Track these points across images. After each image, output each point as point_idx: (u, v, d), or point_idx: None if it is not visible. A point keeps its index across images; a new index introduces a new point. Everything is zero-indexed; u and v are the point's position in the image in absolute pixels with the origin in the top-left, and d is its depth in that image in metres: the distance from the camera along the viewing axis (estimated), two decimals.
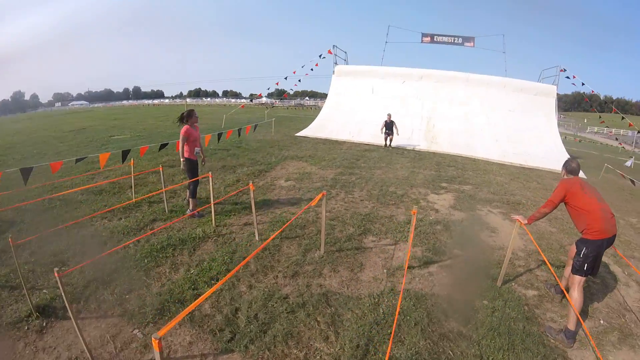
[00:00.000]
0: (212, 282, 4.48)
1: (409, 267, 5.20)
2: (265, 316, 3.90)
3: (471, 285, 4.97)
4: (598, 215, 4.09)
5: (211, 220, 6.31)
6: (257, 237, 5.75)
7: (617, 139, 38.79)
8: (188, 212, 6.62)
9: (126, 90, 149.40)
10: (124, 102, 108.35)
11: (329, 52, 21.87)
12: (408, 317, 4.03)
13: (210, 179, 6.27)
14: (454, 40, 23.50)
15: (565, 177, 4.62)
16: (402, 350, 3.52)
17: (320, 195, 5.04)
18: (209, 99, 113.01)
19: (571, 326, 3.93)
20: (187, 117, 6.49)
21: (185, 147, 6.40)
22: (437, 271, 5.20)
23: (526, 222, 4.58)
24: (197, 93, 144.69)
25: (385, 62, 22.93)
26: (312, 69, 22.45)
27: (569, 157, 15.98)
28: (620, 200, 11.52)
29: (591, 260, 4.12)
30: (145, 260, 4.98)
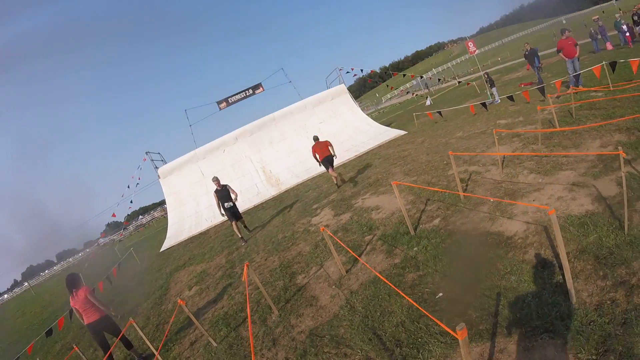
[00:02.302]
0: None
1: (347, 271, 5.90)
2: None
3: (397, 246, 5.95)
4: (320, 154, 11.65)
5: None
6: (214, 344, 5.61)
7: (408, 92, 46.31)
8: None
9: None
10: None
11: (144, 160, 21.54)
12: (381, 295, 4.76)
13: (135, 324, 5.91)
14: (246, 93, 25.17)
15: (314, 142, 12.15)
16: (400, 315, 4.12)
17: (245, 267, 5.33)
18: (46, 271, 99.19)
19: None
20: (76, 282, 6.06)
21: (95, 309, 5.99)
22: (368, 259, 6.01)
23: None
24: (30, 272, 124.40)
25: (198, 143, 23.38)
26: (137, 184, 21.87)
27: (386, 127, 18.62)
28: (440, 128, 14.52)
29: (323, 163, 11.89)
30: None
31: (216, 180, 11.35)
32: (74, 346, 6.27)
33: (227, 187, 11.37)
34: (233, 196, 11.27)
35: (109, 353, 5.92)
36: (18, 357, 7.64)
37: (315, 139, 12.48)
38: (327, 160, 12.04)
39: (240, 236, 11.24)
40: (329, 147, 12.16)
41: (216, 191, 11.22)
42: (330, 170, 12.13)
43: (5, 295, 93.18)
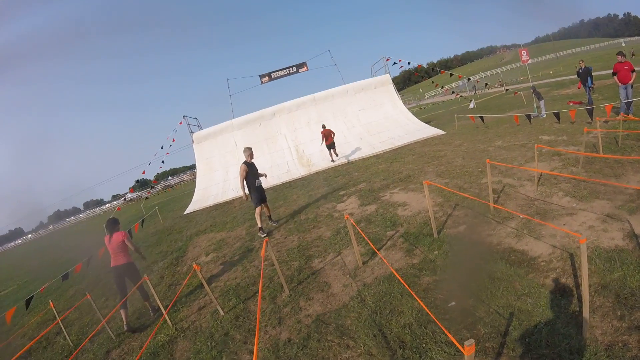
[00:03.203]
0: None
1: (364, 263, 5.90)
2: None
3: (418, 247, 5.90)
4: (328, 140, 16.67)
5: (166, 321, 6.00)
6: (221, 313, 5.73)
7: (453, 92, 45.47)
8: (152, 313, 6.55)
9: None
10: None
11: (180, 123, 21.98)
12: (393, 293, 4.75)
13: (148, 281, 6.03)
14: (289, 70, 25.27)
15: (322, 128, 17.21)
16: (409, 317, 4.12)
17: (264, 243, 5.41)
18: (72, 218, 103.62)
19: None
20: (115, 226, 6.54)
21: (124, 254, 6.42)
22: (386, 254, 5.98)
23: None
24: (57, 216, 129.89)
25: (236, 113, 23.70)
26: (170, 145, 22.35)
27: (425, 125, 18.39)
28: (480, 134, 14.17)
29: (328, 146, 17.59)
30: None
31: (250, 151, 9.38)
32: (87, 294, 6.52)
33: (255, 168, 9.50)
34: (261, 178, 9.57)
35: (125, 299, 6.14)
36: (32, 296, 7.95)
37: (324, 126, 17.65)
38: (331, 145, 17.62)
39: (260, 226, 9.39)
40: (332, 134, 17.53)
41: (246, 164, 9.21)
42: (332, 151, 17.78)
43: (30, 235, 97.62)
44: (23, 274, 18.94)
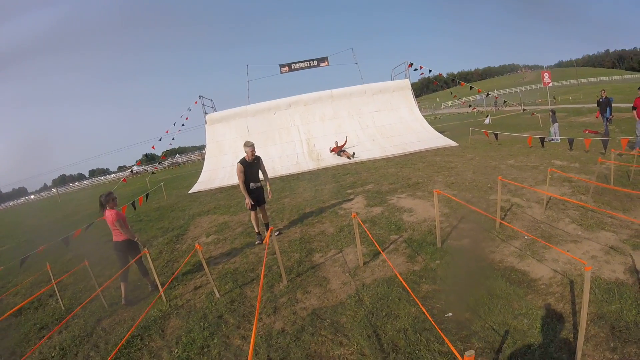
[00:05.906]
0: (204, 350, 4.43)
1: (364, 263, 5.92)
2: (277, 353, 4.10)
3: (420, 254, 5.93)
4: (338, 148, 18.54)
5: (161, 297, 6.00)
6: (217, 295, 5.76)
7: (470, 106, 45.46)
8: (150, 288, 6.50)
9: None
10: None
11: (195, 103, 22.05)
12: (391, 297, 4.76)
13: (148, 255, 5.97)
14: (310, 64, 25.24)
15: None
16: (405, 322, 4.14)
17: (269, 231, 5.45)
18: (76, 184, 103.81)
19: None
20: (107, 203, 6.12)
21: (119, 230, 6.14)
22: (389, 257, 5.96)
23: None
24: (62, 180, 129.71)
25: (252, 100, 23.67)
26: (183, 124, 22.42)
27: (438, 134, 18.32)
28: (493, 151, 14.19)
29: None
30: None
31: (251, 147, 7.63)
32: (85, 260, 6.56)
33: (260, 161, 7.94)
34: (262, 176, 8.07)
35: (123, 270, 6.06)
36: (28, 256, 8.01)
37: (336, 143, 18.92)
38: (342, 150, 18.74)
39: (257, 231, 8.09)
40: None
41: (244, 163, 7.62)
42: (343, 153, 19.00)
43: (32, 196, 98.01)
44: (22, 233, 18.96)
